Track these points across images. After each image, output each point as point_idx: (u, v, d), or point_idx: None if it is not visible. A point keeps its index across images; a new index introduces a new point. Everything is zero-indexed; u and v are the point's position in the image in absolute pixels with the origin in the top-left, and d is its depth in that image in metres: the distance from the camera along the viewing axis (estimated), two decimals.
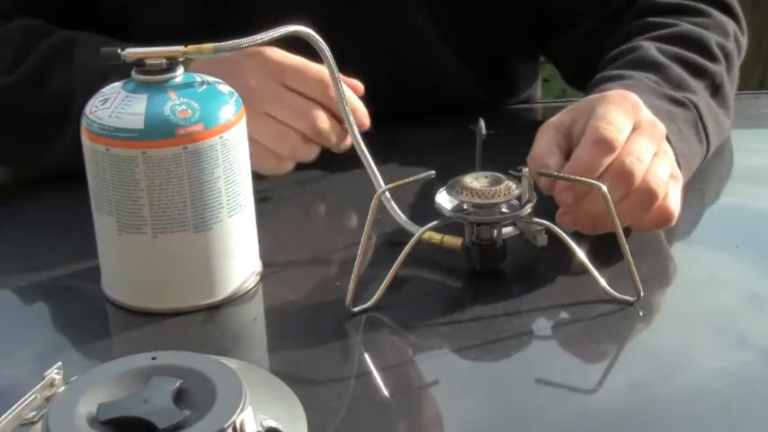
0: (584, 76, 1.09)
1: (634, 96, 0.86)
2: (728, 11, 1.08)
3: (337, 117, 0.93)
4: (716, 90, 1.00)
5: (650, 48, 0.99)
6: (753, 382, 0.72)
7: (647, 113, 0.85)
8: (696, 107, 0.95)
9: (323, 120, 0.93)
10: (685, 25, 1.03)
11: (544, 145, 0.84)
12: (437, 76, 1.14)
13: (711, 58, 1.01)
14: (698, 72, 0.99)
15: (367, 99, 0.94)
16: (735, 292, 0.84)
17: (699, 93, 0.97)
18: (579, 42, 1.12)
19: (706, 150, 0.96)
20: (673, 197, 0.84)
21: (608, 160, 0.81)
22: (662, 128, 0.86)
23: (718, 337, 0.79)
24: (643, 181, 0.81)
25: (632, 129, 0.83)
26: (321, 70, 0.91)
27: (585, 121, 0.84)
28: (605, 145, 0.81)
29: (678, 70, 0.97)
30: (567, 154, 0.84)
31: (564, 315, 0.80)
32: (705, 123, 0.95)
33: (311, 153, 0.95)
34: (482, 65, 1.15)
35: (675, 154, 0.88)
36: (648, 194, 0.82)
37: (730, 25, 1.07)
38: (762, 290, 0.85)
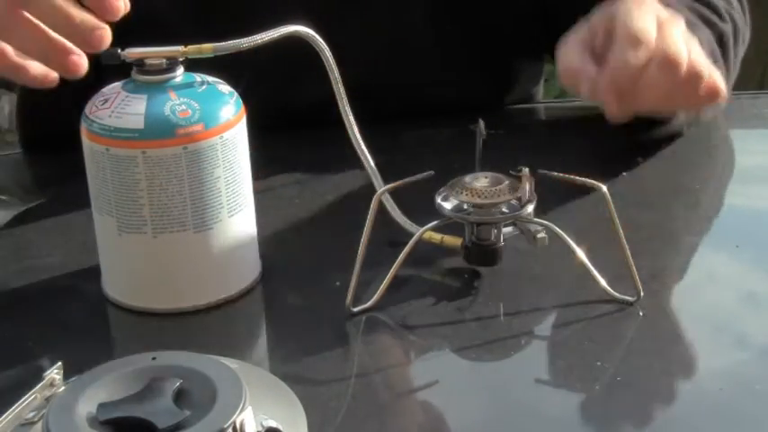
0: None
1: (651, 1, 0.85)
2: None
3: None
4: (722, 47, 0.99)
5: None
6: (752, 382, 0.72)
7: (663, 11, 0.85)
8: (721, 34, 0.95)
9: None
10: None
11: (572, 56, 0.84)
12: (438, 76, 1.14)
13: (720, 17, 1.00)
14: (708, 23, 0.98)
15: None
16: (735, 293, 0.84)
17: (726, 19, 0.97)
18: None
19: (729, 75, 0.96)
20: (716, 74, 0.84)
21: (646, 53, 0.80)
22: (681, 19, 0.85)
23: (719, 337, 0.79)
24: (688, 64, 0.81)
25: (657, 24, 0.83)
26: None
27: (607, 28, 0.84)
28: (640, 36, 0.80)
29: (690, 15, 0.96)
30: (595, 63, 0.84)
31: (564, 315, 0.80)
32: (727, 48, 0.95)
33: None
34: (486, 64, 1.15)
35: None
36: (696, 76, 0.82)
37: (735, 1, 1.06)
38: (761, 290, 0.85)
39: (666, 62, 0.80)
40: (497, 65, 1.16)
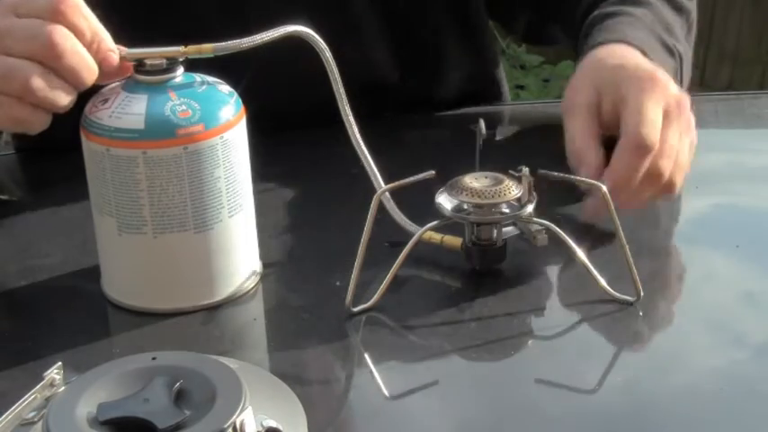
0: (535, 27, 1.13)
1: (661, 74, 0.86)
2: None
3: (83, 42, 0.76)
4: (689, 29, 1.02)
5: None
6: (753, 382, 0.73)
7: (673, 90, 0.86)
8: (680, 57, 0.97)
9: (61, 35, 0.75)
10: None
11: (580, 137, 0.86)
12: (381, 63, 1.14)
13: None
14: (677, 9, 1.00)
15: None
16: (735, 293, 0.84)
17: (680, 38, 0.99)
18: None
19: None
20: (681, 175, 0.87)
21: (647, 163, 0.83)
22: (685, 101, 0.87)
23: (719, 337, 0.79)
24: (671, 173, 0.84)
25: (663, 116, 0.84)
26: None
27: (614, 102, 0.85)
28: (645, 149, 0.82)
29: (665, 9, 0.99)
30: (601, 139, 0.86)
31: (564, 315, 0.80)
32: (683, 74, 0.98)
33: (55, 91, 0.76)
34: (428, 48, 1.15)
35: None
36: (669, 186, 0.85)
37: None
38: (762, 290, 0.85)
39: (654, 176, 0.83)
40: (443, 48, 1.16)
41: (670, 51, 0.96)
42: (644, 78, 0.86)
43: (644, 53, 0.91)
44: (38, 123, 0.78)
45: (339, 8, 1.10)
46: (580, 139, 0.86)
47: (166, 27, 0.99)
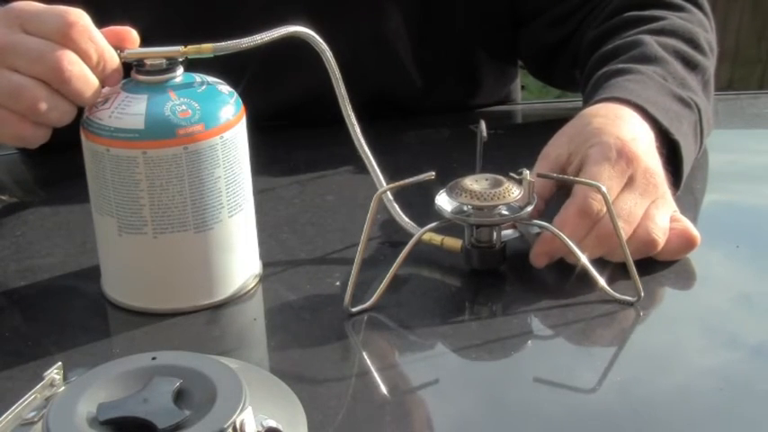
0: (550, 65, 1.12)
1: (637, 145, 0.84)
2: (701, 7, 1.08)
3: (90, 65, 0.78)
4: (706, 85, 1.00)
5: (651, 43, 0.98)
6: (752, 382, 0.73)
7: (643, 163, 0.84)
8: (698, 109, 0.95)
9: (69, 61, 0.76)
10: (674, 19, 1.03)
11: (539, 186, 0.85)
12: (413, 77, 1.15)
13: (702, 52, 1.01)
14: (692, 67, 0.99)
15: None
16: (734, 293, 0.84)
17: (697, 91, 0.97)
18: (545, 28, 1.12)
19: (698, 151, 0.96)
20: (685, 222, 0.85)
21: (588, 225, 0.81)
22: (659, 176, 0.85)
23: (718, 337, 0.79)
24: (639, 232, 0.82)
25: (625, 183, 0.83)
26: (63, 8, 0.78)
27: (581, 163, 0.84)
28: (590, 217, 0.81)
29: (679, 66, 0.97)
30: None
31: (564, 315, 0.80)
32: (703, 125, 0.95)
33: (59, 111, 0.78)
34: (455, 66, 1.16)
35: (683, 156, 0.90)
36: (646, 245, 0.83)
37: (705, 21, 1.07)
38: (762, 290, 0.85)
39: (603, 236, 0.81)
40: (470, 67, 1.17)
41: (686, 104, 0.94)
42: (612, 147, 0.83)
43: (644, 111, 0.89)
44: (39, 139, 0.80)
45: (374, 26, 1.11)
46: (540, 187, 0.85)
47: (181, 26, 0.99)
